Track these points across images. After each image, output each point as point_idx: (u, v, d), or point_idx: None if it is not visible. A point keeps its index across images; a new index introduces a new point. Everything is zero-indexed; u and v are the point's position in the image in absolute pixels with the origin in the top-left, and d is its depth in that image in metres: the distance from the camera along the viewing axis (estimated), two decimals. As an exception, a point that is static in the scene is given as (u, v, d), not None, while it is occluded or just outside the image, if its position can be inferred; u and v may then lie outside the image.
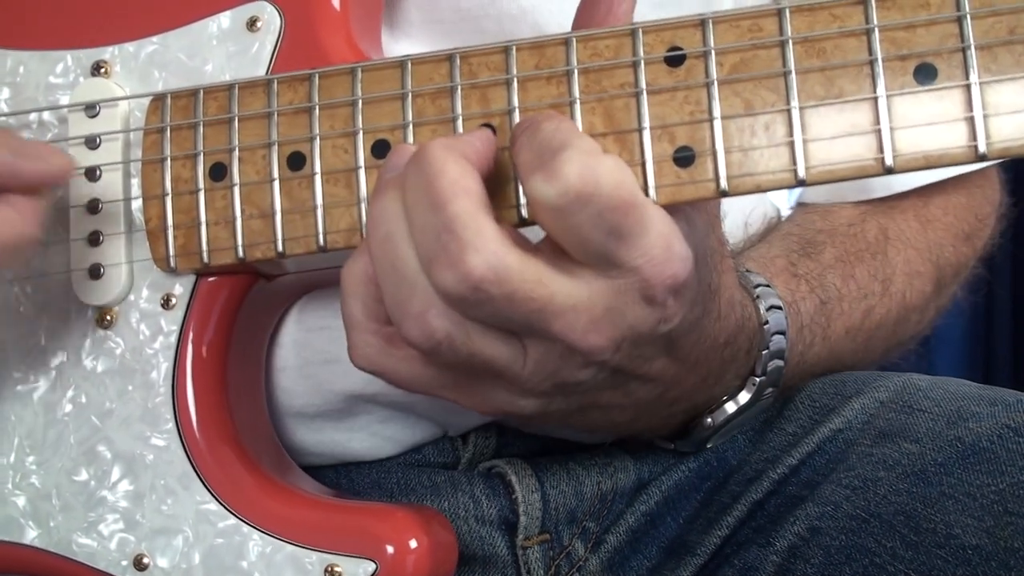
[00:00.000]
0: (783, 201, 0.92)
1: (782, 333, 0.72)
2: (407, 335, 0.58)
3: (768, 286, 0.73)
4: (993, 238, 0.93)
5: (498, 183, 0.60)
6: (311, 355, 0.74)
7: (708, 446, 0.77)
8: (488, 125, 0.61)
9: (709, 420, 0.74)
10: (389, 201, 0.58)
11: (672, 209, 0.57)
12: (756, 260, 0.79)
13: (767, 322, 0.71)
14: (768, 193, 0.91)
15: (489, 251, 0.55)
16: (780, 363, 0.73)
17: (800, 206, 0.89)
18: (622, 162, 0.56)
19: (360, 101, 0.63)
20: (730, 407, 0.73)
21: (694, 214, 0.60)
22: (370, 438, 0.78)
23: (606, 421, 0.68)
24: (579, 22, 0.62)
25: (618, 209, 0.54)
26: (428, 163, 0.56)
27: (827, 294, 0.78)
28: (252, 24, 0.68)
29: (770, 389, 0.73)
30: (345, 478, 0.79)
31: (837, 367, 0.81)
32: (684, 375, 0.65)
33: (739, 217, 0.83)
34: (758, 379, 0.72)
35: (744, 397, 0.73)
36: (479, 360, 0.59)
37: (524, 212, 0.60)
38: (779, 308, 0.72)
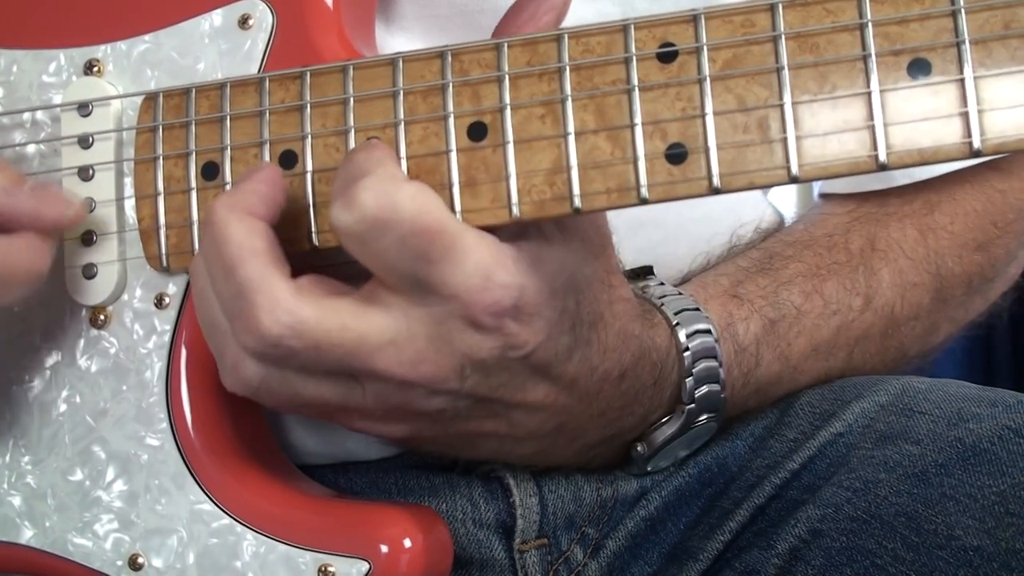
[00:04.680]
0: (789, 207, 0.91)
1: (712, 357, 0.72)
2: (226, 383, 0.62)
3: (696, 309, 0.72)
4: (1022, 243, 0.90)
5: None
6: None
7: (649, 469, 0.77)
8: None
9: (640, 447, 0.74)
10: (199, 258, 0.61)
11: (526, 235, 0.59)
12: (698, 282, 0.78)
13: (687, 348, 0.71)
14: (776, 200, 0.91)
15: (281, 309, 0.57)
16: (715, 387, 0.72)
17: (815, 203, 0.88)
18: (427, 189, 0.57)
19: (352, 99, 0.63)
20: (663, 433, 0.73)
21: (560, 242, 0.60)
22: (368, 438, 0.77)
23: (507, 452, 0.69)
24: (500, 30, 0.62)
25: (422, 235, 0.56)
26: (215, 229, 0.59)
27: (780, 312, 0.77)
28: (244, 22, 0.68)
29: (707, 415, 0.73)
30: (343, 478, 0.79)
31: (816, 382, 0.80)
32: (577, 407, 0.66)
33: (729, 228, 0.83)
34: (687, 407, 0.72)
35: (673, 425, 0.73)
36: (306, 399, 0.61)
37: (315, 240, 0.63)
38: (706, 332, 0.72)
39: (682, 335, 0.71)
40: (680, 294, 0.74)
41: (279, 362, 0.59)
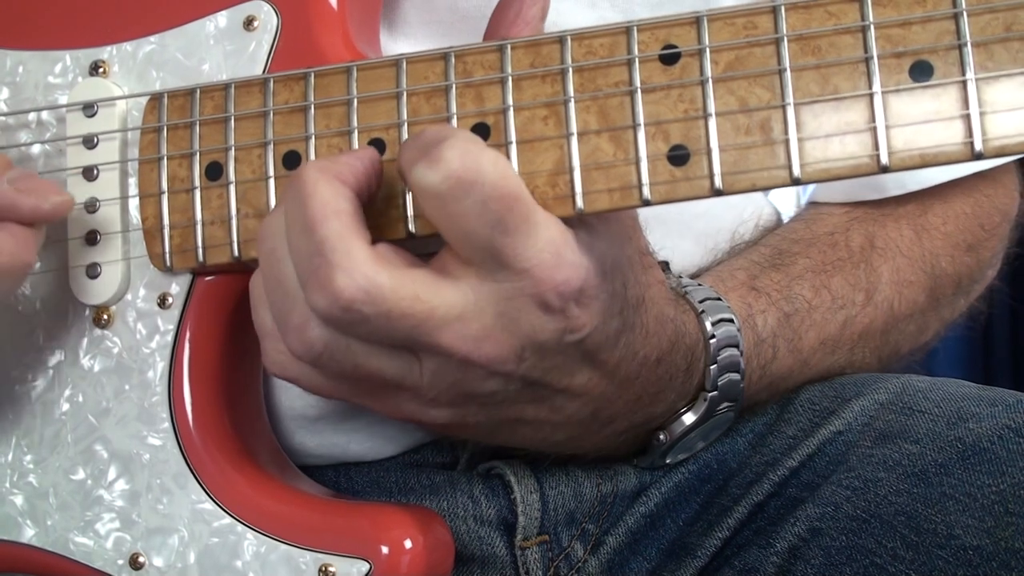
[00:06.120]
0: (788, 204, 0.92)
1: (734, 346, 0.72)
2: (289, 346, 0.60)
3: (719, 299, 0.73)
4: (1004, 246, 0.91)
5: (388, 197, 0.61)
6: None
7: (667, 461, 0.77)
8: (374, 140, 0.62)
9: (662, 436, 0.74)
10: (275, 217, 0.60)
11: (569, 221, 0.58)
12: (714, 274, 0.79)
13: (713, 336, 0.71)
14: (774, 198, 0.91)
15: (358, 272, 0.56)
16: (735, 376, 0.72)
17: (810, 205, 0.89)
18: (504, 157, 0.57)
19: (355, 100, 0.63)
20: (684, 422, 0.73)
21: (600, 225, 0.60)
22: (369, 439, 0.78)
23: (541, 439, 0.68)
24: (490, 31, 0.63)
25: (503, 199, 0.55)
26: (301, 185, 0.58)
27: (793, 306, 0.78)
28: (249, 23, 0.68)
29: (726, 404, 0.73)
30: (344, 478, 0.79)
31: (818, 377, 0.81)
32: (615, 392, 0.65)
33: (730, 224, 0.83)
34: (709, 394, 0.72)
35: (696, 412, 0.73)
36: (365, 372, 0.60)
37: (411, 226, 0.61)
38: (729, 321, 0.72)
39: (708, 323, 0.71)
40: (700, 285, 0.74)
41: (347, 328, 0.58)
